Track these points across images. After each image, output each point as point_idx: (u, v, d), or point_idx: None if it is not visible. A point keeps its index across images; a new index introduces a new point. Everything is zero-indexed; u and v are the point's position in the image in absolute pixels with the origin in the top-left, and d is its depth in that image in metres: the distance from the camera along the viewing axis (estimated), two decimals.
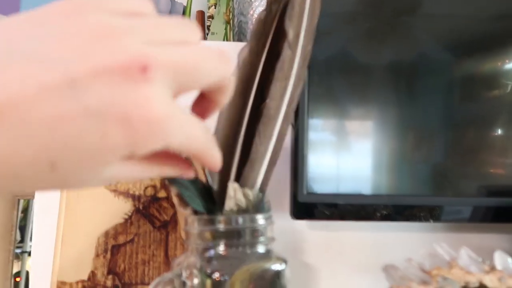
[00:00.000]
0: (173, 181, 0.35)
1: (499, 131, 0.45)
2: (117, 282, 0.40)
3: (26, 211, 1.29)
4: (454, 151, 0.44)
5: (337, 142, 0.43)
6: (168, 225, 0.42)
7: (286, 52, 0.36)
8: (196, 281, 0.32)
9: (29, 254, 1.28)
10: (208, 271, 0.32)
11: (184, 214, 0.37)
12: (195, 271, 0.32)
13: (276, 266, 0.34)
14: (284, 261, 0.35)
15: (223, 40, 0.70)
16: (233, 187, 0.35)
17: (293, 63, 0.36)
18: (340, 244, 0.47)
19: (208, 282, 0.32)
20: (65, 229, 0.41)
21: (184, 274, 0.32)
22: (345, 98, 0.44)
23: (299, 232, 0.46)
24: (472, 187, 0.43)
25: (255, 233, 0.34)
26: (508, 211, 0.41)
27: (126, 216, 0.42)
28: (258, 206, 0.36)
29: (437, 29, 0.45)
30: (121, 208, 0.42)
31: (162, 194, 0.43)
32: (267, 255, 0.35)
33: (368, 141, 0.44)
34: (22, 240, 1.30)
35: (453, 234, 0.48)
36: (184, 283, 0.32)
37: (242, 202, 0.35)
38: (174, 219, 0.42)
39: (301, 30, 0.36)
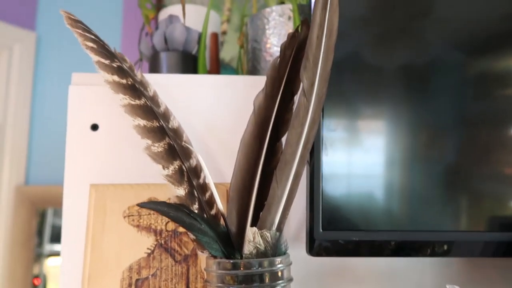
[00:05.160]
0: (190, 228, 0.37)
1: None
2: None
3: (42, 217, 1.34)
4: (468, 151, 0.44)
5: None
6: (189, 259, 0.44)
7: (301, 99, 0.38)
8: None
9: (47, 256, 1.33)
10: None
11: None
12: None
13: None
14: None
15: (237, 63, 0.71)
16: (252, 232, 0.37)
17: (308, 110, 0.38)
18: (353, 271, 0.48)
19: None
20: (91, 265, 0.43)
21: None
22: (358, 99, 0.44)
23: (313, 258, 0.47)
24: (486, 222, 0.44)
25: (274, 275, 0.36)
26: None
27: (149, 251, 0.44)
28: (276, 247, 0.38)
29: (449, 30, 0.45)
30: (144, 243, 0.44)
31: (182, 228, 0.44)
32: None
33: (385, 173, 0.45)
34: (40, 244, 1.34)
35: (467, 262, 0.49)
36: None
37: (261, 245, 0.37)
38: (194, 253, 0.44)
39: (315, 79, 0.37)
